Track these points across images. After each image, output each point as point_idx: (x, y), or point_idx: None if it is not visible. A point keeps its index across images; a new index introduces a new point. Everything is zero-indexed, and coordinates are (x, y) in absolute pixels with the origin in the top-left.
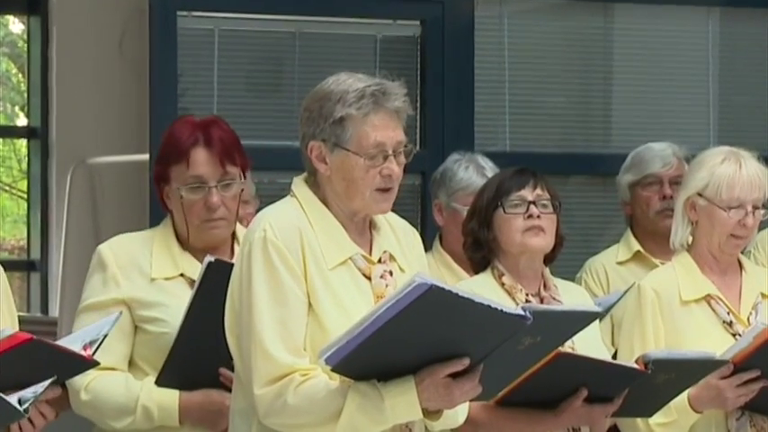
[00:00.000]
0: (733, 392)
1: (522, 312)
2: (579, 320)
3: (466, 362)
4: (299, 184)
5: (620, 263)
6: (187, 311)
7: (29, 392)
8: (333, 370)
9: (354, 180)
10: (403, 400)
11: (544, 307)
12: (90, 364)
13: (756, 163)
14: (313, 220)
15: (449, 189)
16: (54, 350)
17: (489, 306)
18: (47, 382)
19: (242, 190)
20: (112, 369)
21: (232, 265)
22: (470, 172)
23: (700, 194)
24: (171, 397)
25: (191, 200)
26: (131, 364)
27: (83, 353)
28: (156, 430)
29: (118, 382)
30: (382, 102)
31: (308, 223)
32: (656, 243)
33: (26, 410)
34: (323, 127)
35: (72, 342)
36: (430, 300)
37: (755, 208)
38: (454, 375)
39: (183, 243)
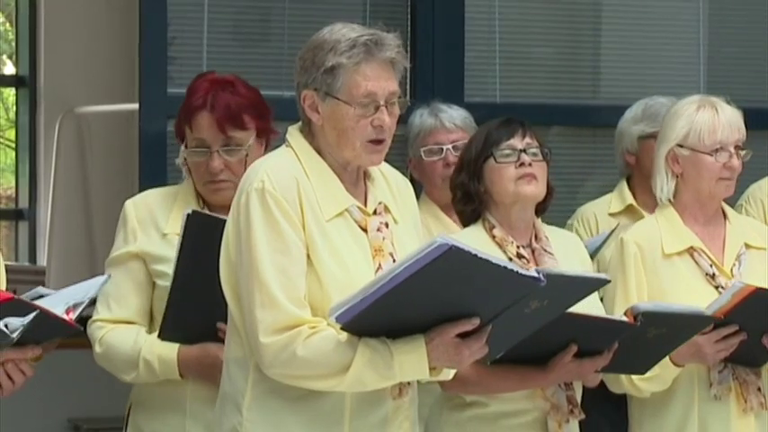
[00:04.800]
0: (712, 348)
1: (536, 274)
2: (588, 286)
3: (476, 321)
4: (294, 134)
5: (611, 214)
6: (176, 265)
7: (16, 320)
8: (343, 328)
9: (345, 130)
10: (412, 358)
11: (557, 270)
12: (71, 329)
13: (730, 106)
14: (309, 171)
15: (410, 141)
16: (35, 309)
17: (505, 267)
18: (32, 315)
19: (246, 154)
20: (129, 322)
21: (210, 216)
22: (424, 117)
23: (680, 145)
24: (170, 350)
25: (194, 162)
26: (153, 319)
27: (65, 317)
28: (163, 383)
29: (128, 335)
30: (375, 52)
31: (303, 174)
32: (652, 197)
33: (18, 335)
34: (315, 76)
35: (57, 303)
36: (449, 260)
37: (738, 148)
38: (463, 336)
39: (205, 201)
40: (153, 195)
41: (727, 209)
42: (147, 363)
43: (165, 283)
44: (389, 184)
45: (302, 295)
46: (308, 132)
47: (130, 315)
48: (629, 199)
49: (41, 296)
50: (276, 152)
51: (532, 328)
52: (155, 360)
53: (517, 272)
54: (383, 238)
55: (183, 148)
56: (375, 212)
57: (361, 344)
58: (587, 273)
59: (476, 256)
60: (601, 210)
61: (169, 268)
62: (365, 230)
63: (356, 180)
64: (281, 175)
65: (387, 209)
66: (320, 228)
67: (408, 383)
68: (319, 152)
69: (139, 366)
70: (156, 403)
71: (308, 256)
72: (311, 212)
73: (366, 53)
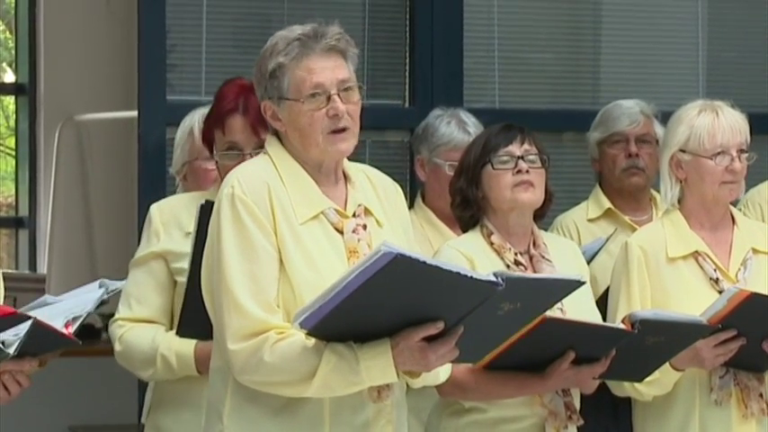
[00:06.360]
0: (710, 352)
1: (493, 278)
2: (560, 288)
3: (440, 326)
4: (271, 142)
5: (590, 220)
6: (191, 258)
7: (10, 334)
8: (309, 334)
9: (303, 128)
10: (378, 363)
11: (518, 274)
12: (70, 342)
13: (732, 110)
14: (284, 176)
15: (430, 144)
16: (36, 325)
17: (458, 273)
18: (27, 324)
19: None
20: (150, 321)
21: None
22: (452, 127)
23: (683, 150)
24: (188, 346)
25: (226, 165)
26: (174, 319)
27: (64, 331)
28: (181, 380)
29: (147, 333)
30: (311, 44)
31: (278, 179)
32: (623, 200)
33: (15, 351)
34: (265, 84)
35: (56, 316)
36: (397, 268)
37: (741, 152)
38: (430, 339)
39: None
40: (177, 199)
41: (736, 213)
42: (165, 359)
43: (185, 279)
44: (376, 188)
45: (272, 300)
46: (282, 141)
47: (151, 314)
48: (607, 203)
49: (48, 304)
50: (252, 159)
51: (511, 331)
52: (172, 356)
53: (471, 277)
54: (359, 240)
55: (176, 157)
56: (354, 215)
57: (327, 349)
58: (554, 275)
59: (424, 263)
60: (579, 217)
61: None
62: (341, 232)
63: (336, 183)
64: (252, 180)
65: (368, 211)
66: (293, 231)
67: (388, 387)
68: (294, 157)
69: (157, 363)
70: (175, 400)
71: (281, 260)
72: (283, 216)
73: (302, 47)
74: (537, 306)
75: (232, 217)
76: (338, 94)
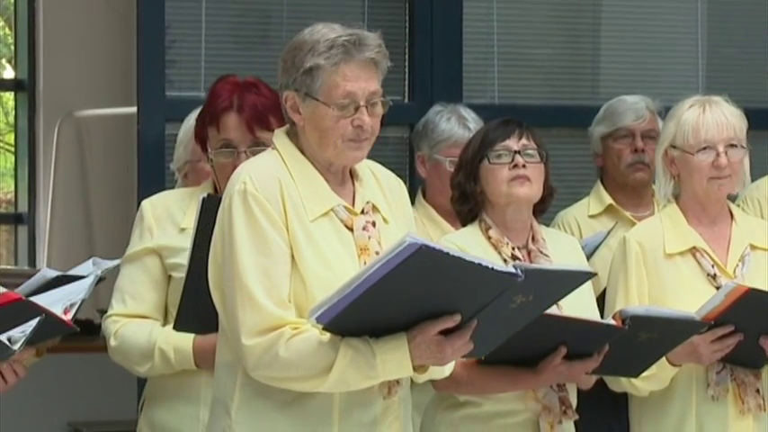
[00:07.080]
0: (707, 348)
1: (513, 270)
2: (572, 280)
3: (457, 318)
4: (279, 137)
5: (592, 216)
6: (191, 251)
7: (17, 332)
8: (324, 329)
9: (325, 130)
10: (394, 357)
11: (536, 266)
12: (69, 329)
13: (726, 105)
14: (294, 172)
15: (431, 140)
16: (40, 312)
17: (480, 264)
18: (34, 322)
19: None
20: (144, 317)
21: None
22: (452, 123)
23: (673, 146)
24: (186, 340)
25: (220, 163)
26: (168, 314)
27: (64, 317)
28: (177, 374)
29: (144, 328)
30: (353, 52)
31: (288, 175)
32: (625, 196)
33: (20, 347)
34: (295, 77)
35: (54, 303)
36: (420, 259)
37: (730, 146)
38: (446, 332)
39: None
40: (170, 195)
41: (735, 209)
42: (163, 353)
43: (181, 274)
44: (381, 184)
45: (285, 296)
46: (293, 134)
47: (146, 310)
48: (608, 199)
49: (46, 278)
50: (261, 155)
51: (521, 324)
52: (170, 350)
53: (492, 268)
54: (369, 237)
55: (179, 154)
56: (362, 212)
57: (342, 344)
58: (569, 266)
59: (447, 254)
60: (580, 213)
61: (185, 259)
62: (351, 230)
63: (343, 180)
64: (264, 176)
65: (375, 208)
66: (304, 228)
67: (398, 382)
68: (304, 153)
69: (155, 357)
70: (171, 395)
71: (293, 256)
72: (295, 213)
73: (344, 54)
74: (547, 299)
75: (245, 213)
76: (366, 107)
